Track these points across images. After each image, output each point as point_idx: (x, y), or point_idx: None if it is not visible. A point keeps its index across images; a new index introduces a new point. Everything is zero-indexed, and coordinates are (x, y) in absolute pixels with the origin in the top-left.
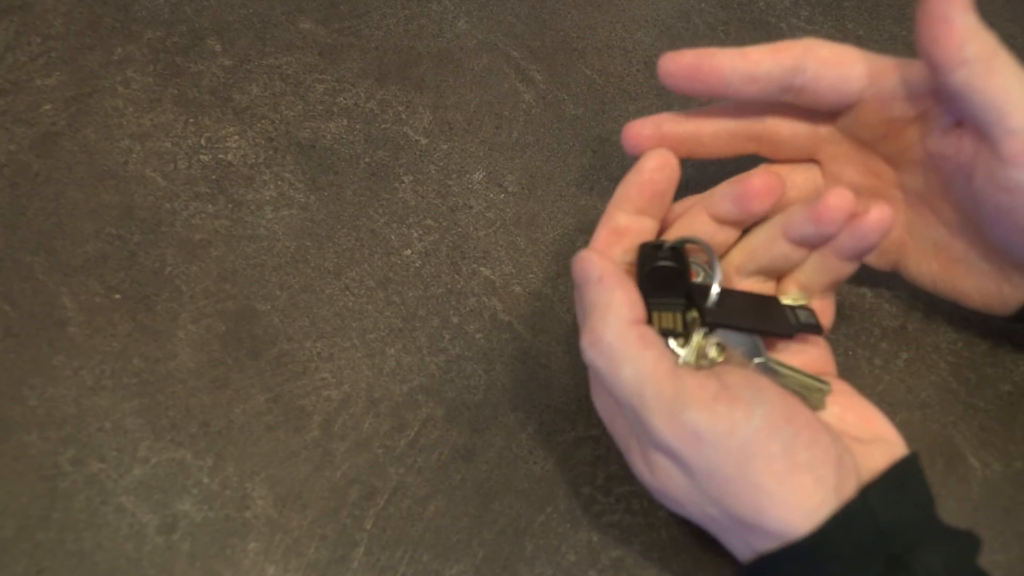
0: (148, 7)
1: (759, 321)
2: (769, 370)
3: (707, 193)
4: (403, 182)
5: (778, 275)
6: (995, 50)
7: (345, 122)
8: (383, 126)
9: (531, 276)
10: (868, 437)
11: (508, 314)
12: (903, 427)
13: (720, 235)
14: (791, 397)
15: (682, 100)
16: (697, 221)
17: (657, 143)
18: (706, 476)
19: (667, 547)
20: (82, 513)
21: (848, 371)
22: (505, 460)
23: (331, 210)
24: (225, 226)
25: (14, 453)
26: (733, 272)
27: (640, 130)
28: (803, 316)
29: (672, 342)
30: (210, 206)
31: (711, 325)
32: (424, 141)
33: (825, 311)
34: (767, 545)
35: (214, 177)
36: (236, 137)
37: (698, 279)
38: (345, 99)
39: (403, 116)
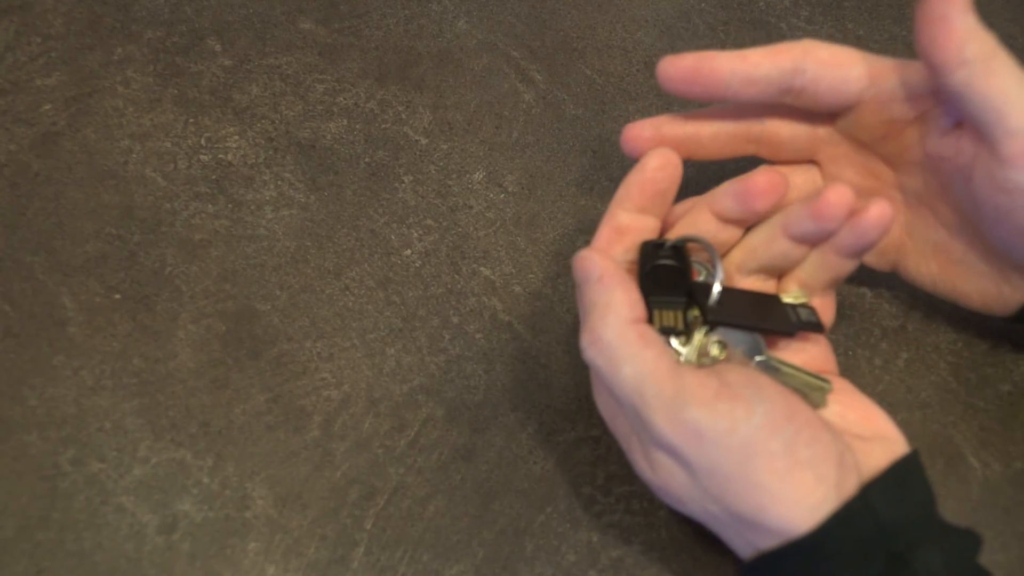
0: (148, 7)
1: (760, 319)
2: (770, 368)
3: (710, 192)
4: (403, 182)
5: (779, 273)
6: (994, 51)
7: (345, 122)
8: (383, 126)
9: (531, 276)
10: (869, 435)
11: (508, 314)
12: (903, 427)
13: (723, 234)
14: (791, 395)
15: (682, 101)
16: (700, 220)
17: (657, 145)
18: (707, 474)
19: (667, 547)
20: (82, 513)
21: (848, 371)
22: (505, 460)
23: (331, 210)
24: (225, 226)
25: (14, 453)
26: (734, 270)
27: (640, 132)
28: (804, 314)
29: (674, 340)
30: (210, 206)
31: (713, 323)
32: (424, 141)
33: (826, 309)
34: (768, 543)
35: (214, 177)
36: (236, 137)
37: (700, 278)
38: (345, 99)
39: (403, 116)
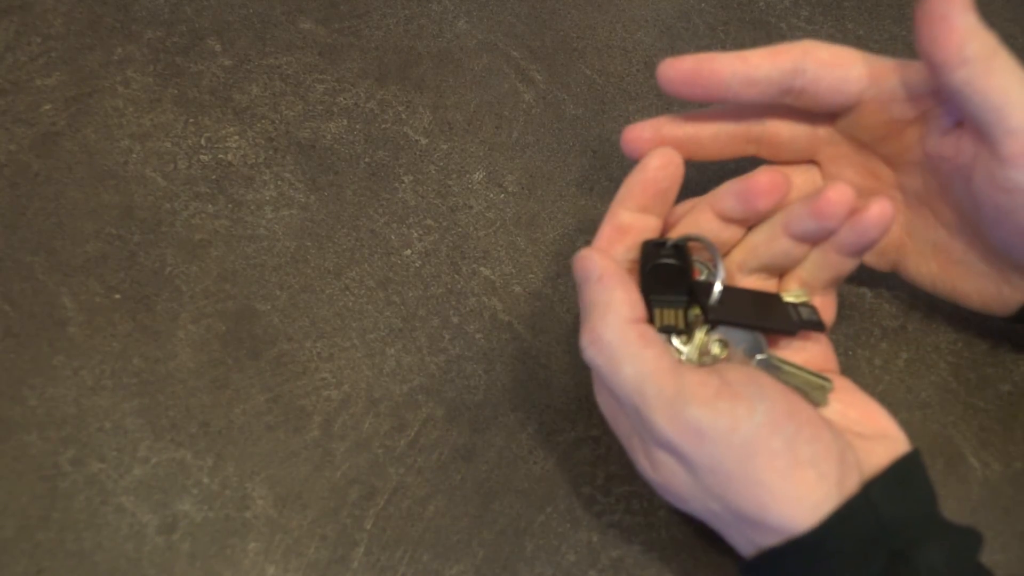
0: (148, 7)
1: (761, 318)
2: (771, 367)
3: (712, 192)
4: (403, 182)
5: (780, 272)
6: (995, 50)
7: (345, 122)
8: (383, 126)
9: (531, 276)
10: (870, 433)
11: (508, 314)
12: (903, 427)
13: (724, 233)
14: (792, 393)
15: (682, 101)
16: (702, 219)
17: (657, 146)
18: (708, 472)
19: (667, 547)
20: (82, 513)
21: (848, 371)
22: (505, 460)
23: (331, 210)
24: (225, 226)
25: (14, 453)
26: (735, 269)
27: (640, 133)
28: (805, 313)
29: (675, 339)
30: (210, 206)
31: (714, 322)
32: (424, 141)
33: (827, 308)
34: (769, 540)
35: (214, 177)
36: (236, 137)
37: (701, 277)
38: (345, 99)
39: (403, 116)
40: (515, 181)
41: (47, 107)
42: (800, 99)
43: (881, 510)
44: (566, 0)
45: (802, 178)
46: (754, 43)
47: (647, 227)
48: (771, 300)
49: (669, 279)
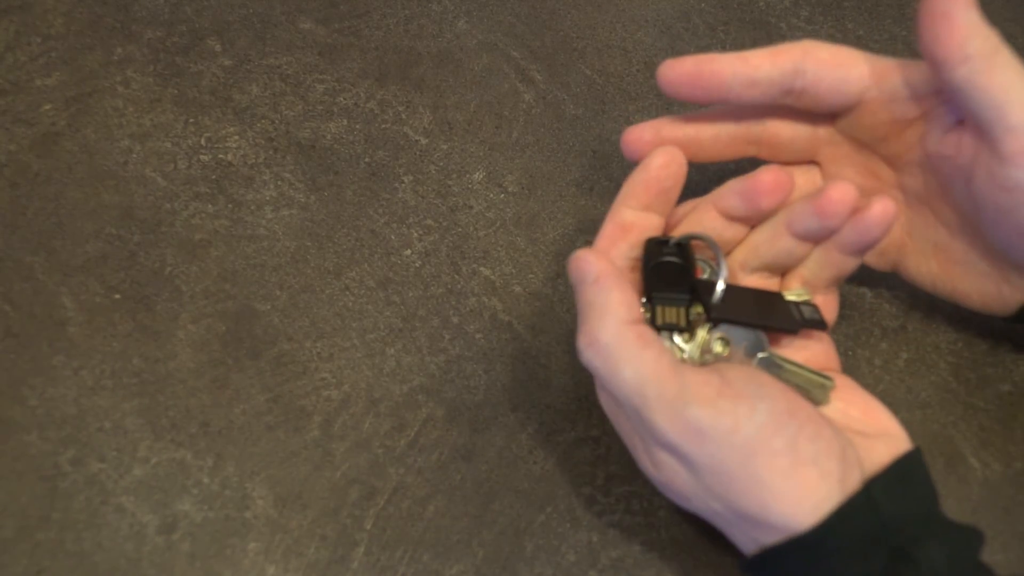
0: (148, 7)
1: (764, 317)
2: (773, 365)
3: (715, 191)
4: (403, 182)
5: (782, 271)
6: (997, 48)
7: (345, 122)
8: (383, 126)
9: (531, 276)
10: (872, 431)
11: (508, 314)
12: (903, 427)
13: (727, 232)
14: (792, 392)
15: (682, 102)
16: (705, 218)
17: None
18: (710, 472)
19: (667, 547)
20: (82, 513)
21: (848, 371)
22: (505, 460)
23: (331, 210)
24: (225, 226)
25: (14, 453)
26: (737, 268)
27: (640, 135)
28: (807, 312)
29: (676, 337)
30: (210, 206)
31: (716, 320)
32: (424, 141)
33: (828, 307)
34: (771, 539)
35: (214, 177)
36: (236, 137)
37: (704, 275)
38: (345, 99)
39: (403, 116)
40: (515, 181)
41: (47, 107)
42: (801, 99)
43: (883, 508)
44: (566, 0)
45: (803, 178)
46: (754, 43)
47: (650, 225)
48: (773, 299)
49: (672, 277)
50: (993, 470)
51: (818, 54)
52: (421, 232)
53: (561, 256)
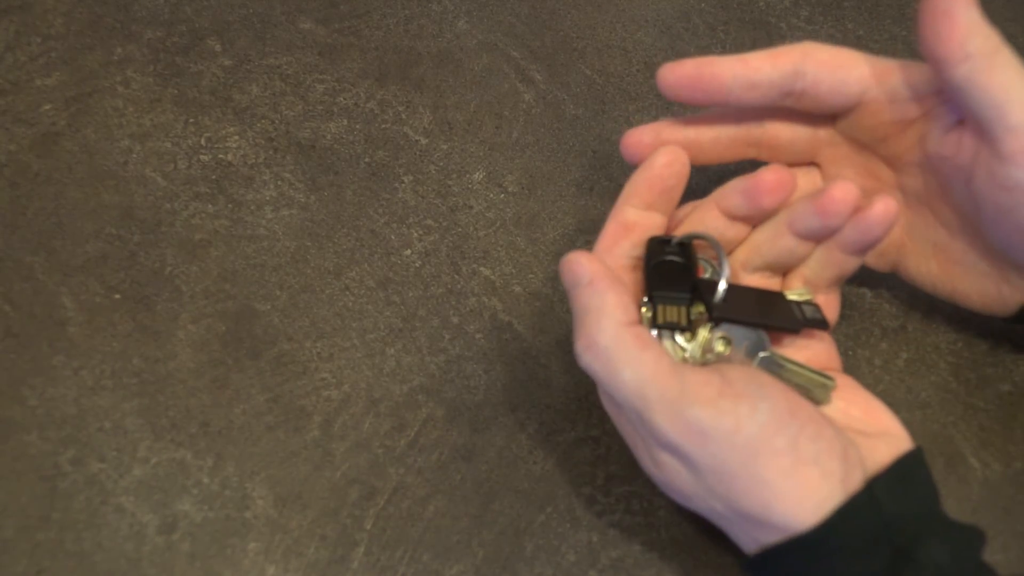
0: (148, 7)
1: (766, 316)
2: (774, 365)
3: (717, 190)
4: (403, 182)
5: (783, 271)
6: (998, 47)
7: (345, 122)
8: (383, 126)
9: (531, 276)
10: (873, 431)
11: (508, 314)
12: (903, 427)
13: (730, 231)
14: (792, 392)
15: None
16: (707, 217)
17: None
18: (711, 473)
19: (667, 547)
20: (82, 513)
21: (848, 371)
22: (505, 460)
23: (331, 210)
24: (225, 226)
25: (14, 453)
26: (738, 268)
27: (640, 138)
28: (809, 311)
29: (679, 337)
30: (210, 206)
31: (718, 320)
32: (424, 141)
33: (830, 307)
34: (773, 538)
35: (214, 177)
36: (236, 137)
37: (705, 275)
38: (345, 99)
39: (403, 116)
40: (515, 181)
41: (47, 107)
42: (801, 101)
43: (885, 507)
44: (566, 0)
45: (803, 180)
46: (754, 43)
47: (652, 224)
48: (775, 298)
49: (673, 276)
50: (993, 470)
51: (818, 56)
52: (421, 232)
53: (561, 256)
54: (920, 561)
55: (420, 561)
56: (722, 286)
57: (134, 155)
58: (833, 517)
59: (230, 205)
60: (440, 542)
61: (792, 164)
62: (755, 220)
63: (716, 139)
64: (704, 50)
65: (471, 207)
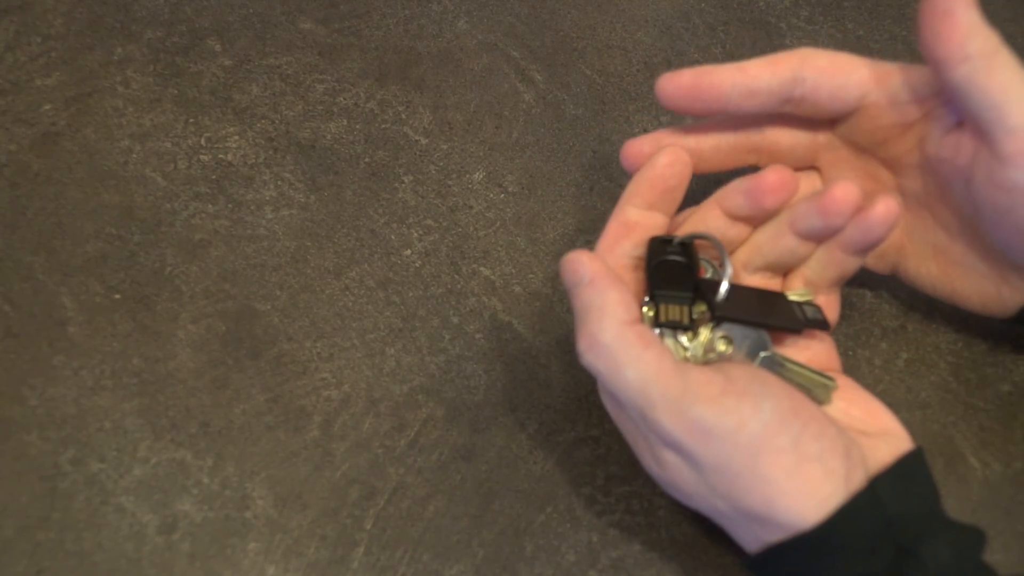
0: (148, 7)
1: (767, 316)
2: (775, 364)
3: (720, 190)
4: (403, 182)
5: (784, 271)
6: (997, 48)
7: (345, 122)
8: (383, 126)
9: (531, 276)
10: (874, 431)
11: (508, 314)
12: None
13: (731, 232)
14: (795, 390)
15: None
16: (709, 217)
17: None
18: (714, 471)
19: (667, 547)
20: (82, 513)
21: (848, 371)
22: (505, 460)
23: (331, 210)
24: (225, 226)
25: (14, 453)
26: (739, 268)
27: (640, 148)
28: (810, 312)
29: (681, 336)
30: (210, 206)
31: (720, 319)
32: (424, 141)
33: (830, 307)
34: (776, 536)
35: (214, 177)
36: (236, 137)
37: (707, 275)
38: (345, 99)
39: (403, 116)
40: (515, 181)
41: (47, 107)
42: (800, 107)
43: (888, 506)
44: (566, 0)
45: (803, 184)
46: (754, 43)
47: (654, 224)
48: (776, 298)
49: (675, 276)
50: (993, 470)
51: (816, 62)
52: (421, 232)
53: (561, 256)
54: (923, 560)
55: (420, 561)
56: (724, 285)
57: (134, 155)
58: (836, 515)
59: (230, 205)
60: (440, 542)
61: (793, 169)
62: (757, 221)
63: (716, 147)
64: (704, 50)
65: (471, 207)
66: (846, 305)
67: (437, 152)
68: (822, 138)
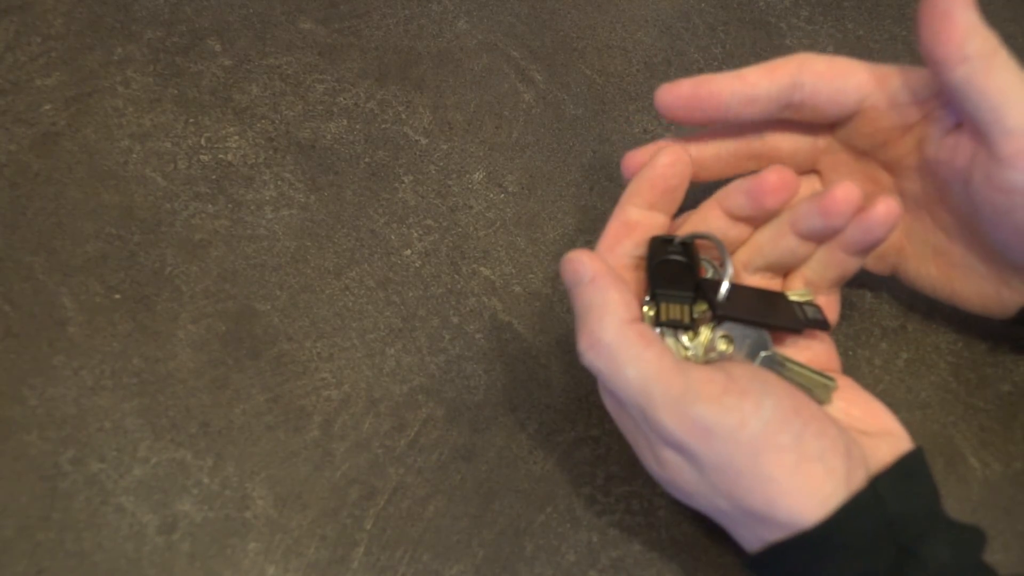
0: (148, 7)
1: (768, 315)
2: (776, 364)
3: (721, 190)
4: (403, 182)
5: (784, 271)
6: (996, 49)
7: (345, 122)
8: (383, 126)
9: (531, 276)
10: (874, 431)
11: (508, 314)
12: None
13: (732, 232)
14: (796, 389)
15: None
16: (710, 216)
17: None
18: (716, 469)
19: (667, 547)
20: (82, 513)
21: (848, 371)
22: (505, 460)
23: (331, 210)
24: (225, 226)
25: (14, 453)
26: (740, 268)
27: (641, 159)
28: (810, 312)
29: (682, 336)
30: (210, 206)
31: (721, 318)
32: (424, 141)
33: (830, 308)
34: (777, 535)
35: (214, 177)
36: (236, 137)
37: (707, 275)
38: (345, 99)
39: (403, 116)
40: (515, 181)
41: (47, 107)
42: (800, 112)
43: (889, 505)
44: (566, 0)
45: (803, 187)
46: (754, 43)
47: (654, 224)
48: (777, 298)
49: (675, 275)
50: (993, 470)
51: (814, 66)
52: (421, 232)
53: (561, 256)
54: (923, 560)
55: (420, 561)
56: (725, 285)
57: (134, 155)
58: (838, 514)
59: (230, 205)
60: (440, 542)
61: None
62: (757, 221)
63: (717, 155)
64: (704, 50)
65: (471, 207)
66: (846, 305)
67: (437, 152)
68: (822, 142)
